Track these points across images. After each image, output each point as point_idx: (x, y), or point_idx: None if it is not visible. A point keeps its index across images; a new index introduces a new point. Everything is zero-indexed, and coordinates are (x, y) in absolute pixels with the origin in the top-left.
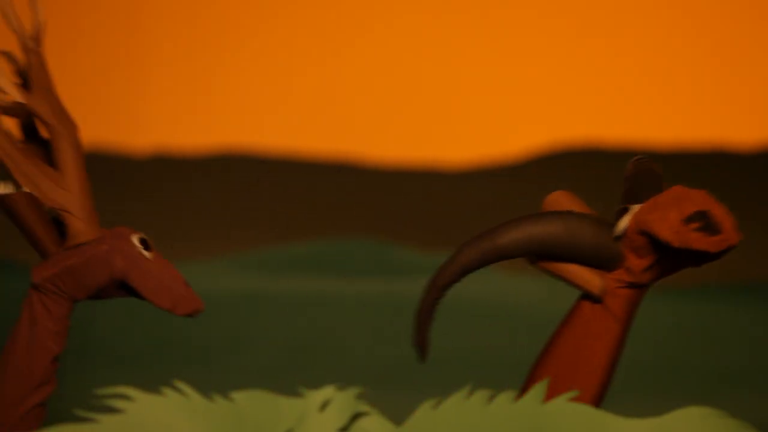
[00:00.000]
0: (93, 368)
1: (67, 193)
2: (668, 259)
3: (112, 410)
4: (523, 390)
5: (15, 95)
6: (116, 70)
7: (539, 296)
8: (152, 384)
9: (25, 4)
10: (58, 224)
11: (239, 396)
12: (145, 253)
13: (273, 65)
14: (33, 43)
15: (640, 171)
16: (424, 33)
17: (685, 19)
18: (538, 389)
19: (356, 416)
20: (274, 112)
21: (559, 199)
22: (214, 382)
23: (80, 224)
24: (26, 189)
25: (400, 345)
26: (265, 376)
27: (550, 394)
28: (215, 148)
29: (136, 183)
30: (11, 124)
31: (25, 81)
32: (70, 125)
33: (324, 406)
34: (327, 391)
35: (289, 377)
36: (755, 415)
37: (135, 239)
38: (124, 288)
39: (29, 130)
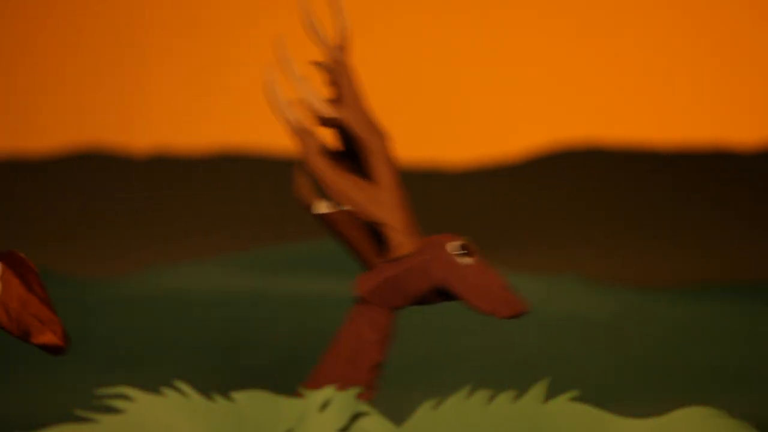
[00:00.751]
0: (93, 368)
1: (383, 206)
2: None
3: (112, 410)
4: None
5: (325, 111)
6: (116, 70)
7: (539, 296)
8: (152, 384)
9: (328, 14)
10: (378, 234)
11: (239, 396)
12: (465, 259)
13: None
14: (339, 54)
15: None
16: (424, 33)
17: (685, 19)
18: (538, 389)
19: (356, 416)
20: None
21: None
22: (214, 382)
23: (399, 236)
24: (344, 207)
25: (400, 345)
26: (265, 376)
27: None
28: (215, 148)
29: (136, 183)
30: (326, 136)
31: (334, 93)
32: (381, 137)
33: (324, 406)
34: (327, 391)
35: (289, 377)
36: (755, 415)
37: (453, 247)
38: (443, 295)
39: (343, 142)
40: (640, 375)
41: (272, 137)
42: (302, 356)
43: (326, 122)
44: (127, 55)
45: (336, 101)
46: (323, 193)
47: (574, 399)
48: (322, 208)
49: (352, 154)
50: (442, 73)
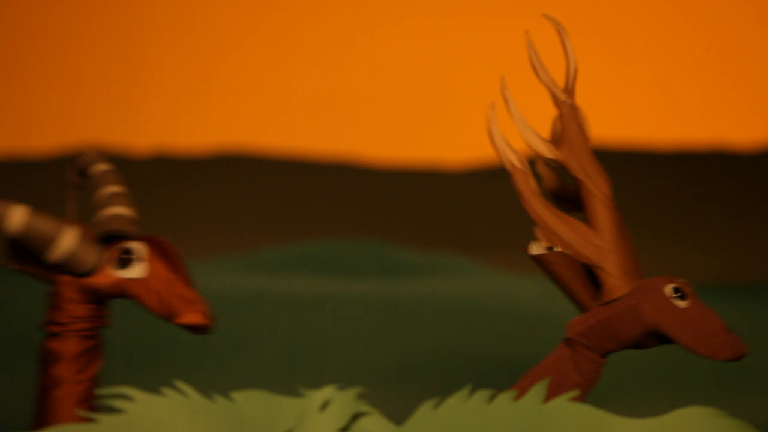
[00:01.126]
0: None
1: (599, 249)
2: None
3: (112, 410)
4: None
5: (546, 152)
6: (116, 70)
7: (539, 296)
8: (152, 384)
9: (555, 57)
10: (593, 277)
11: (239, 396)
12: (680, 302)
13: (273, 65)
14: (565, 95)
15: None
16: (424, 33)
17: (686, 20)
18: (538, 389)
19: (356, 416)
20: (274, 112)
21: None
22: (214, 382)
23: (613, 280)
24: (558, 248)
25: (400, 345)
26: (265, 376)
27: None
28: (215, 148)
29: (136, 183)
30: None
31: (558, 135)
32: (601, 180)
33: (324, 406)
34: (327, 391)
35: (289, 377)
36: (755, 415)
37: (668, 289)
38: (658, 338)
39: (563, 183)
40: (640, 375)
41: (272, 137)
42: (302, 356)
43: (548, 163)
44: (127, 55)
45: (559, 142)
46: (539, 234)
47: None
48: (536, 248)
49: (571, 196)
50: (442, 73)
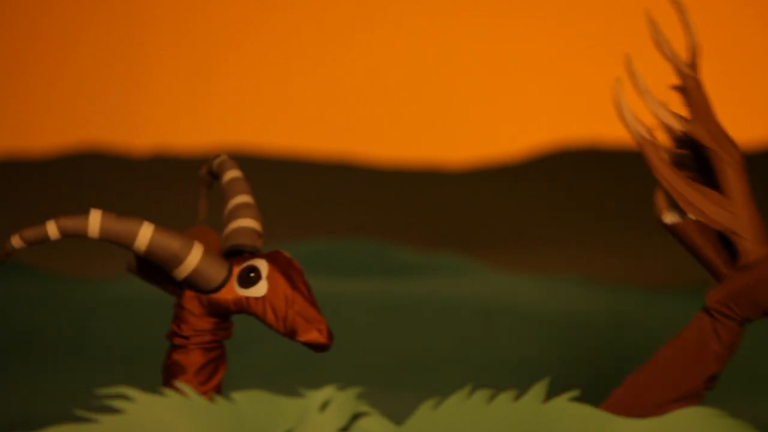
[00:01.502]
0: (93, 368)
1: (733, 215)
2: None
3: (112, 410)
4: None
5: (674, 125)
6: (116, 70)
7: (539, 296)
8: (152, 384)
9: (677, 31)
10: (728, 244)
11: (239, 396)
12: None
13: (273, 65)
14: (689, 69)
15: None
16: (424, 33)
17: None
18: (538, 389)
19: (356, 416)
20: (274, 112)
21: None
22: None
23: (749, 245)
24: (692, 216)
25: (400, 345)
26: (265, 376)
27: None
28: (215, 148)
29: (136, 183)
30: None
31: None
32: (732, 149)
33: (324, 406)
34: (327, 391)
35: (289, 377)
36: (755, 415)
37: None
38: None
39: (694, 156)
40: None
41: (272, 137)
42: (302, 356)
43: (678, 136)
44: (126, 55)
45: (687, 115)
46: (673, 204)
47: (574, 399)
48: (671, 217)
49: (699, 166)
50: (442, 73)
